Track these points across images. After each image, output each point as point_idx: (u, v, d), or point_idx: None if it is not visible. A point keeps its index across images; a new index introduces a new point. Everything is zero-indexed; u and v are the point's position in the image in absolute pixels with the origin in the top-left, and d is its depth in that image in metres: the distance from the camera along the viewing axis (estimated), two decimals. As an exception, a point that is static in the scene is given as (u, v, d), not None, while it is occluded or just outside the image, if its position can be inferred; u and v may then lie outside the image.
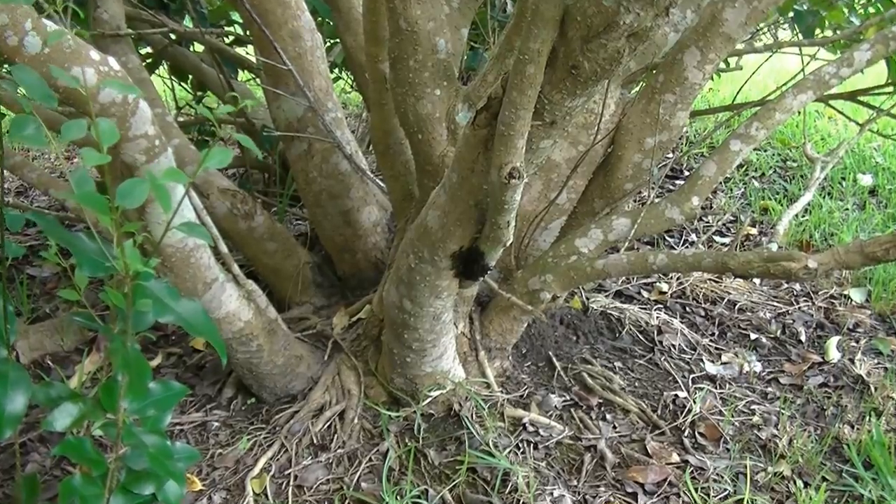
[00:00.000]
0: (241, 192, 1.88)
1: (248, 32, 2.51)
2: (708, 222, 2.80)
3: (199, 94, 2.69)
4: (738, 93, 2.72)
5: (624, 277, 2.34)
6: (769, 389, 1.83)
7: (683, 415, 1.70)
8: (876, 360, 1.95)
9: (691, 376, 1.86)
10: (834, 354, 1.98)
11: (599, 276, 1.53)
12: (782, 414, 1.72)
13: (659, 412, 1.72)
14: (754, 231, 2.74)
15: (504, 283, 1.75)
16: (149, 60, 2.51)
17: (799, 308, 2.21)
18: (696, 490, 1.48)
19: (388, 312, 1.49)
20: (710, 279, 2.33)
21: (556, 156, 1.68)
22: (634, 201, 2.85)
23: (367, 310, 1.83)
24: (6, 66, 1.93)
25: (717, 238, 2.68)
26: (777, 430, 1.67)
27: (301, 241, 2.34)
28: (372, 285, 2.00)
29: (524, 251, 1.74)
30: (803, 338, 2.06)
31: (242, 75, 2.88)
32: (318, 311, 2.03)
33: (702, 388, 1.80)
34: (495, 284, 1.64)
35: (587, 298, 2.15)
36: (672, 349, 1.99)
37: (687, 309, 2.21)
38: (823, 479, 1.53)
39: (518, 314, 1.69)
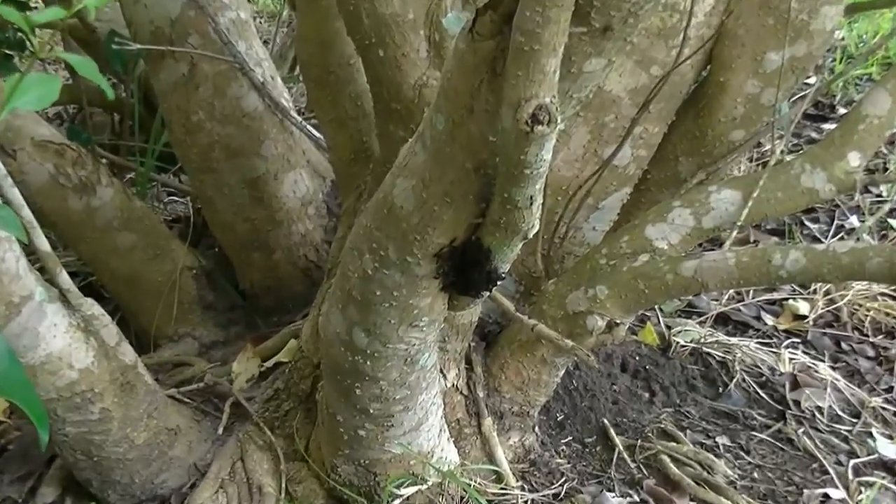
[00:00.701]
0: (74, 147, 1.89)
1: None
2: (879, 195, 2.83)
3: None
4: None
5: (731, 291, 2.37)
6: None
7: (838, 528, 1.73)
8: None
9: (852, 462, 1.88)
10: None
11: (688, 290, 1.55)
12: None
13: (795, 523, 1.74)
14: (961, 211, 2.76)
15: (526, 302, 1.76)
16: None
17: None
18: None
19: (330, 352, 1.50)
20: (883, 294, 2.36)
21: (614, 85, 1.70)
22: (749, 161, 2.88)
23: (292, 348, 1.84)
24: None
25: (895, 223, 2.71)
26: None
27: (178, 230, 2.35)
28: (300, 306, 2.02)
29: (559, 247, 1.76)
30: None
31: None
32: (206, 351, 2.05)
33: (871, 484, 1.82)
34: (510, 304, 1.65)
35: (668, 328, 2.18)
36: (817, 415, 2.01)
37: (842, 346, 2.24)
38: None
39: (550, 354, 1.71)
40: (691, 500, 1.76)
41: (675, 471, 1.80)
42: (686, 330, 2.19)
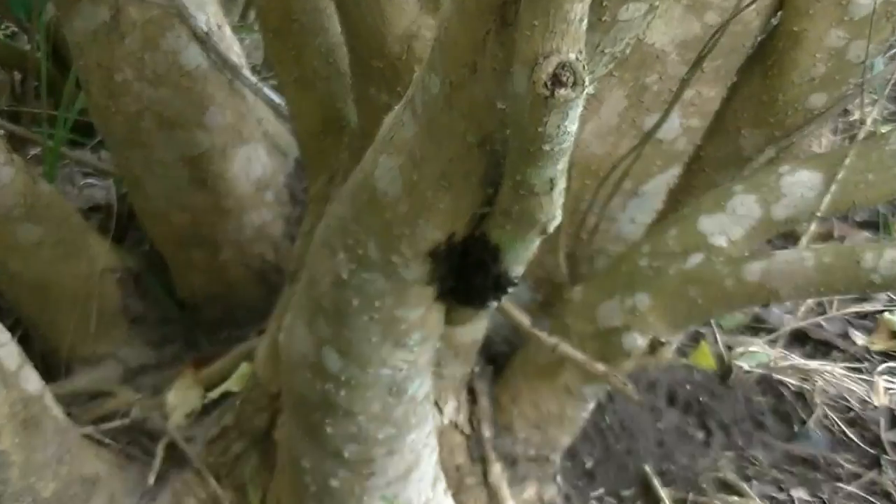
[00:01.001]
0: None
1: None
2: None
3: None
4: None
5: (810, 301, 2.38)
6: None
7: None
8: None
9: (969, 524, 1.90)
10: None
11: (754, 299, 1.57)
12: None
13: None
14: None
15: (545, 315, 1.78)
16: None
17: None
18: None
19: (293, 379, 1.51)
20: None
21: (658, 37, 1.71)
22: (832, 134, 2.87)
23: (244, 374, 1.85)
24: None
25: None
26: None
27: (98, 222, 2.34)
28: (254, 319, 2.02)
29: (588, 244, 1.78)
30: None
31: None
32: (134, 378, 2.05)
33: None
34: (525, 317, 1.67)
35: (728, 348, 2.20)
36: (923, 462, 2.03)
37: (954, 373, 2.25)
38: None
39: (576, 382, 1.72)
40: (758, 570, 1.78)
41: (736, 533, 1.82)
42: (751, 351, 2.20)
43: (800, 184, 1.57)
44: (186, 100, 1.98)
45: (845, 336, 2.33)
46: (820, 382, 2.15)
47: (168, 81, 1.96)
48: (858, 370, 2.22)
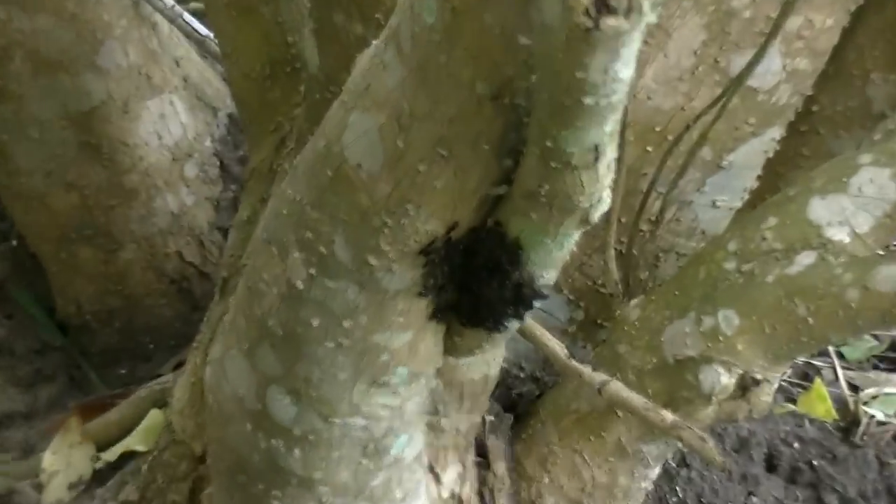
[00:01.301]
0: None
1: None
2: None
3: None
4: None
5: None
6: None
7: None
8: None
9: None
10: None
11: (888, 318, 1.56)
12: None
13: None
14: None
15: (588, 340, 1.80)
16: None
17: None
18: None
19: (227, 434, 1.53)
20: None
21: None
22: None
23: (154, 426, 1.86)
24: None
25: None
26: None
27: None
28: (167, 347, 2.04)
29: (649, 239, 1.80)
30: None
31: None
32: (-3, 431, 2.07)
33: None
34: (560, 345, 1.67)
35: (854, 390, 2.20)
36: None
37: None
38: None
39: (632, 437, 1.73)
40: None
41: None
42: (887, 394, 2.20)
43: (959, 150, 1.59)
44: (72, 31, 1.99)
45: None
46: None
47: (47, 5, 1.97)
48: None
